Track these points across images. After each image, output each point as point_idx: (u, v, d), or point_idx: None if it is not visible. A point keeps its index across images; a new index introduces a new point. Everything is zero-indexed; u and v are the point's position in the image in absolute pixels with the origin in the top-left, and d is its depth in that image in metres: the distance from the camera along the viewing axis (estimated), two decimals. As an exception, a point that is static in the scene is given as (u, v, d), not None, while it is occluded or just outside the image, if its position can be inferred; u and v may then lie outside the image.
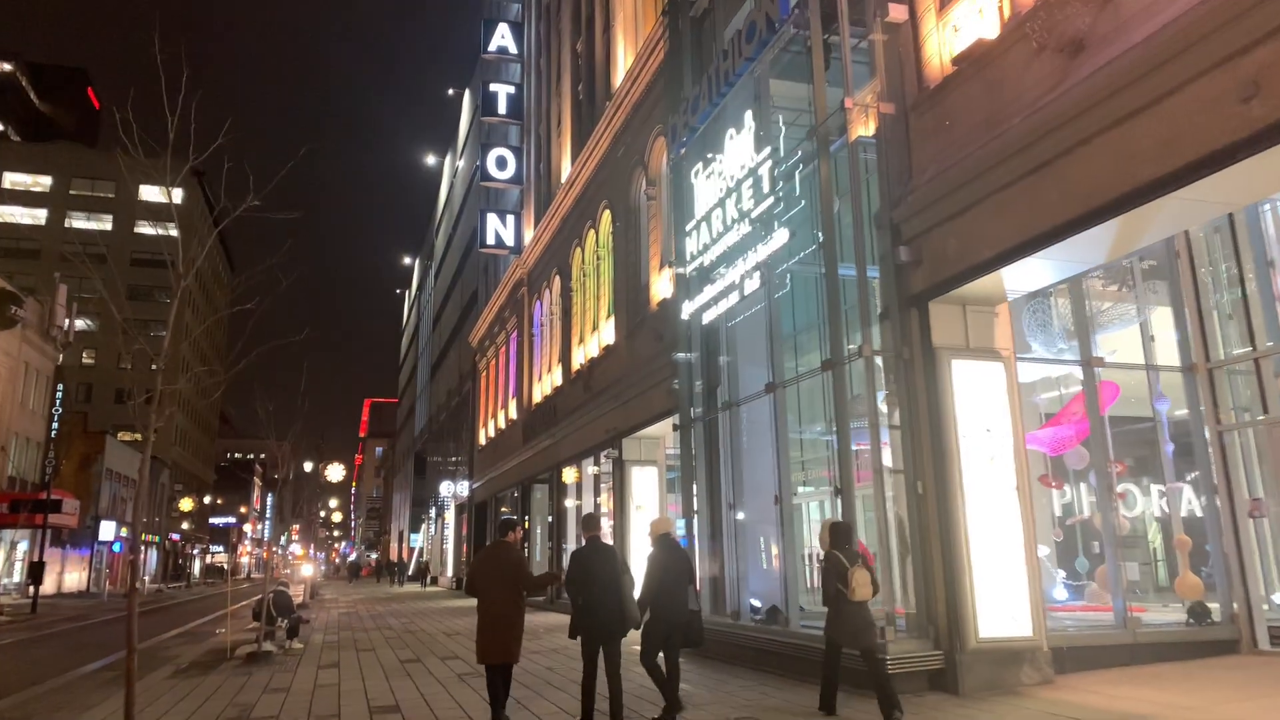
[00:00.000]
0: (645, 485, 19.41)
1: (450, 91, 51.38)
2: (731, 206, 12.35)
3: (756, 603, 13.34)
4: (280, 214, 8.54)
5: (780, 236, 11.01)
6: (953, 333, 9.49)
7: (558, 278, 26.89)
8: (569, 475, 24.60)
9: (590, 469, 23.43)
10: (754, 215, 11.65)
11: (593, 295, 23.84)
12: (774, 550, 12.80)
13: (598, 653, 7.77)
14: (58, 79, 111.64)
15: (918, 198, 9.72)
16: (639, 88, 19.76)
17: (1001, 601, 8.88)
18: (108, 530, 54.70)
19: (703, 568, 13.75)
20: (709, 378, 14.23)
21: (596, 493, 22.10)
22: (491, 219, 32.22)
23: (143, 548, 69.69)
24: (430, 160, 60.39)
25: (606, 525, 22.04)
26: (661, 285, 18.27)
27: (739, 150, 12.25)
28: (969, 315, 9.55)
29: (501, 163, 32.55)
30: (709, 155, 13.61)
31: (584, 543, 8.11)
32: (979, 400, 9.31)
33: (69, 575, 52.02)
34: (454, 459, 48.33)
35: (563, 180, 26.50)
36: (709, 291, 13.03)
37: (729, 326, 13.35)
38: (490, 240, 32.09)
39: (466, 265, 48.23)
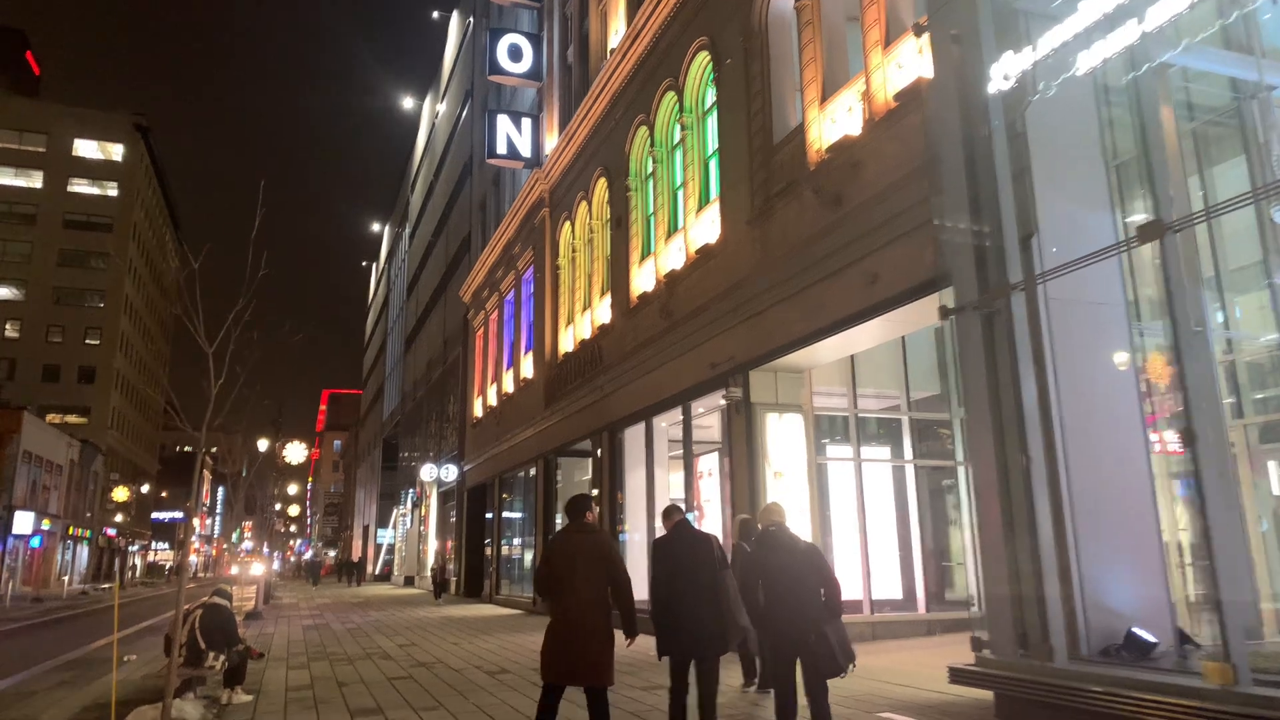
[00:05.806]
0: (786, 441, 12.75)
1: (435, 15, 44.16)
2: None
3: (1149, 636, 6.94)
4: None
5: None
6: None
7: (602, 181, 20.15)
8: (630, 438, 17.85)
9: (663, 426, 16.77)
10: None
11: (667, 189, 17.16)
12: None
13: (688, 672, 6.05)
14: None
15: None
16: None
17: None
18: (24, 522, 46.69)
19: (1042, 573, 7.21)
20: (1025, 216, 7.64)
21: (689, 464, 15.40)
22: (502, 122, 25.22)
23: (71, 543, 61.63)
24: (408, 104, 52.87)
25: (711, 507, 15.41)
26: (829, 124, 11.69)
27: None
28: None
29: (515, 53, 25.57)
30: None
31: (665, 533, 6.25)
32: None
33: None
34: (436, 439, 41.20)
35: (609, 51, 19.82)
36: (1093, 7, 6.45)
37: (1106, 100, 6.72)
38: (500, 149, 25.07)
39: (453, 212, 41.12)
